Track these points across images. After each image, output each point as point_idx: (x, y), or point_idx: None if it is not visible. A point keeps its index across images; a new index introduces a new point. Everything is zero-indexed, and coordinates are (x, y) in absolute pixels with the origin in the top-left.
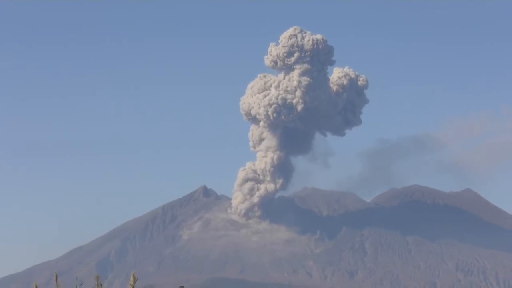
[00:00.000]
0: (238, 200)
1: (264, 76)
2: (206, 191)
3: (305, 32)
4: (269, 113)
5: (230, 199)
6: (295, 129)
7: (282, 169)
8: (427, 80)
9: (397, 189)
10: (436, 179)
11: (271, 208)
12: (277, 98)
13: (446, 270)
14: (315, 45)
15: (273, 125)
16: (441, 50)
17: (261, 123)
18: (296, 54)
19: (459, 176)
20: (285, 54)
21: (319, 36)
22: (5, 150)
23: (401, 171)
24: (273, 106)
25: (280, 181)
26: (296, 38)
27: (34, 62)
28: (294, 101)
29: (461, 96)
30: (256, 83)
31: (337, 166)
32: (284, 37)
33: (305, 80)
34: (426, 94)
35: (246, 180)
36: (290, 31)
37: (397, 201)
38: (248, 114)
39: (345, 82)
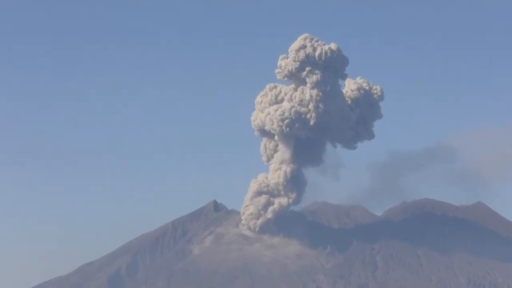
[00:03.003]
0: (250, 214)
1: (275, 87)
2: (217, 206)
3: (317, 41)
4: (283, 127)
5: (240, 213)
6: (306, 140)
7: (296, 183)
8: (438, 91)
9: (407, 202)
10: (447, 192)
11: (282, 223)
12: (290, 112)
13: (457, 284)
14: (328, 58)
15: (286, 137)
16: (453, 61)
17: (276, 137)
18: (308, 68)
19: (470, 189)
20: (296, 70)
21: (333, 46)
22: (14, 163)
23: (411, 184)
24: (286, 121)
25: (293, 195)
26: (306, 49)
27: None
28: (308, 115)
29: (473, 107)
30: (265, 96)
31: (346, 179)
32: (293, 50)
33: (317, 94)
34: (437, 105)
35: (260, 193)
36: (300, 41)
37: (408, 215)
38: (261, 130)
39: (358, 95)
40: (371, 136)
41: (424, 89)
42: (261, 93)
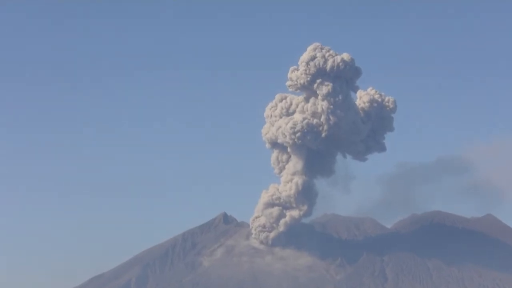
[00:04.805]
0: (261, 226)
1: (284, 97)
2: (226, 218)
3: (328, 51)
4: (295, 139)
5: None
6: (317, 151)
7: (307, 195)
8: (448, 103)
9: (417, 214)
10: (457, 205)
11: (293, 235)
12: (302, 125)
13: None
14: (340, 70)
15: (299, 148)
16: (466, 72)
17: (288, 149)
18: (318, 80)
19: (480, 201)
20: (307, 82)
21: (346, 57)
22: (28, 180)
23: (421, 196)
24: (298, 134)
25: (304, 208)
26: (317, 61)
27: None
28: (320, 127)
29: (484, 119)
30: (275, 108)
31: (356, 191)
32: (303, 61)
33: (328, 106)
34: (448, 117)
35: (271, 205)
36: (310, 51)
37: (418, 227)
38: (273, 143)
39: (371, 108)
40: (382, 148)
41: (436, 101)
42: (270, 104)
